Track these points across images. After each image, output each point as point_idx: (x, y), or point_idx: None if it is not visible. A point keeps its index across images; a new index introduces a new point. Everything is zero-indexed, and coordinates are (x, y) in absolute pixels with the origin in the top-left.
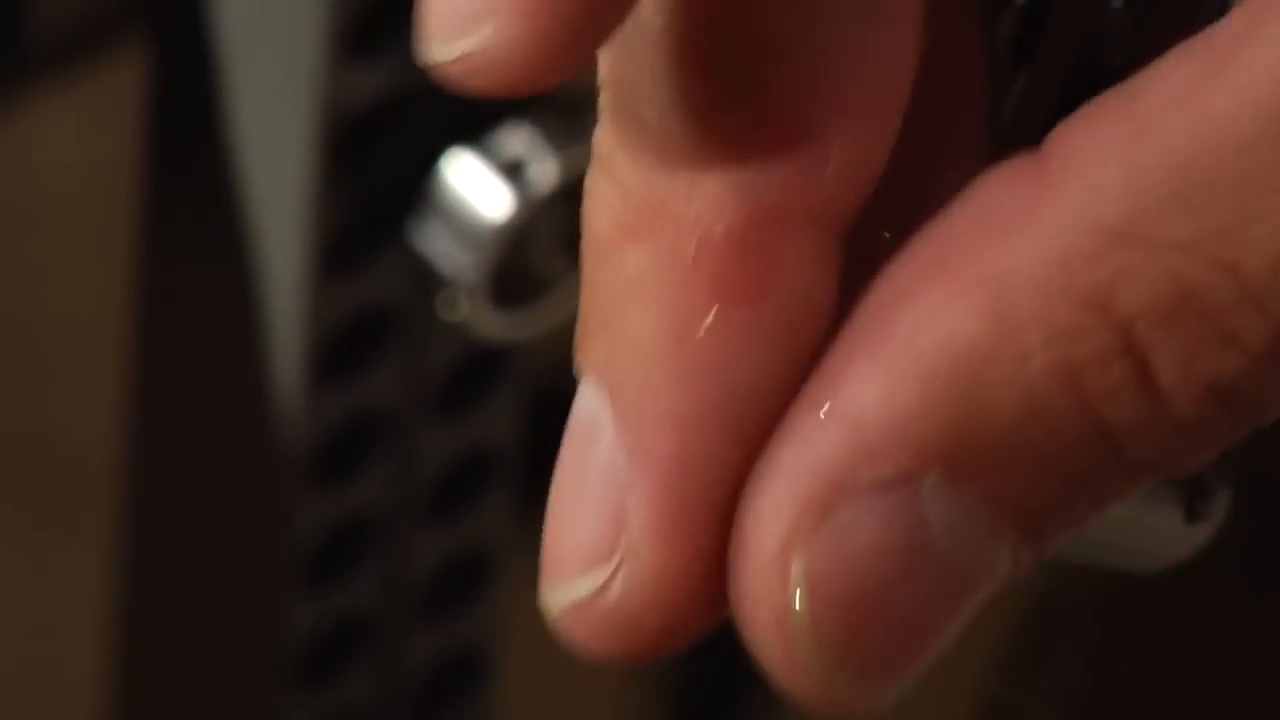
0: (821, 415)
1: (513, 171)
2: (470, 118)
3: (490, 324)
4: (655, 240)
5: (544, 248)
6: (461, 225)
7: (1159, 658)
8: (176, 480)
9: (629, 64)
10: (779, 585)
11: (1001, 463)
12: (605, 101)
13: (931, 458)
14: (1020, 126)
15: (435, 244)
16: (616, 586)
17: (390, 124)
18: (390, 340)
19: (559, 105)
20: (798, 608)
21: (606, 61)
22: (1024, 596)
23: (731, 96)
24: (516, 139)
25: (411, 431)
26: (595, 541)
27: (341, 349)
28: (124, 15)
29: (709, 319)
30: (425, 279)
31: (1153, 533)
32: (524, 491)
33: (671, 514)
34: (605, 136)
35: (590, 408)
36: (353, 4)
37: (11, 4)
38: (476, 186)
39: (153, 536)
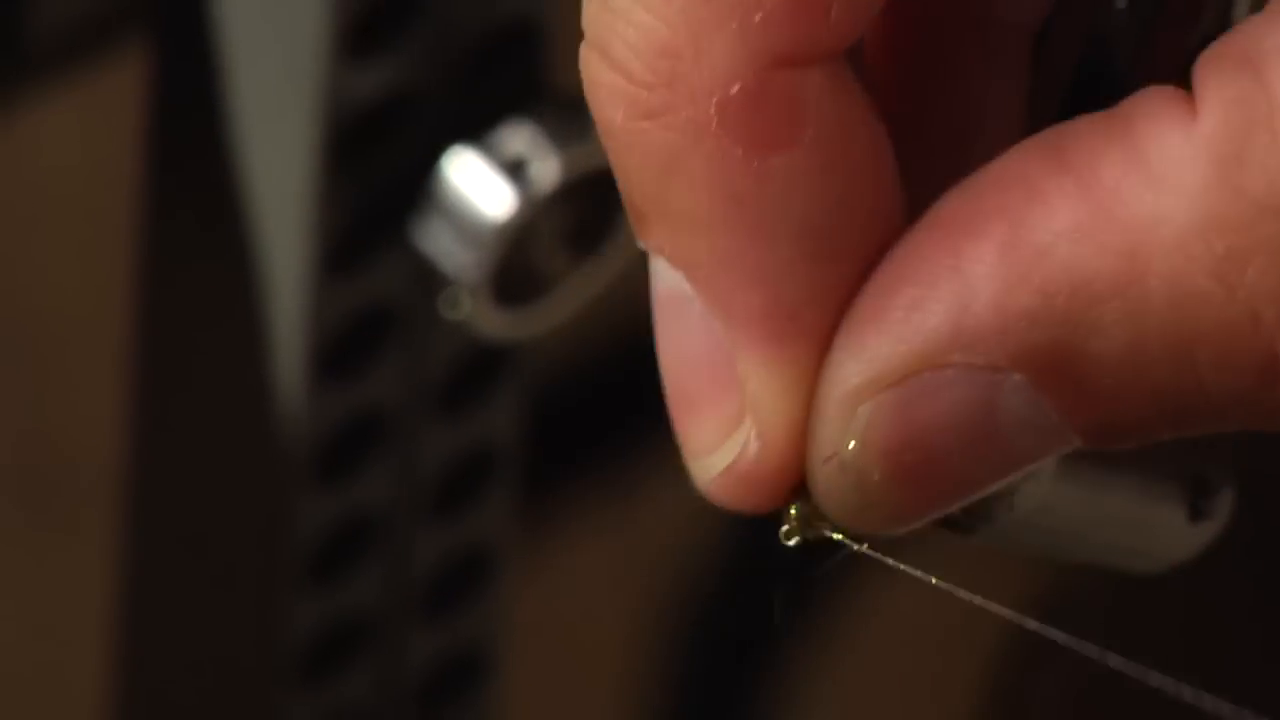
0: (932, 285)
1: (514, 170)
2: (472, 116)
3: (492, 322)
4: (674, 114)
5: (546, 246)
6: (463, 224)
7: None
8: (178, 479)
9: None
10: (840, 423)
11: (1091, 390)
12: None
13: (1025, 364)
14: (1027, 128)
15: (437, 242)
16: (752, 447)
17: (392, 123)
18: (392, 339)
19: (560, 103)
20: (850, 447)
21: None
22: (1028, 595)
23: None
24: (518, 137)
25: (413, 430)
26: (721, 410)
27: (343, 348)
28: (125, 15)
29: (752, 175)
30: (427, 278)
31: (1157, 533)
32: (525, 490)
33: (781, 362)
34: (597, 20)
35: (671, 281)
36: (354, 3)
37: (13, 4)
38: (478, 185)
39: (154, 536)
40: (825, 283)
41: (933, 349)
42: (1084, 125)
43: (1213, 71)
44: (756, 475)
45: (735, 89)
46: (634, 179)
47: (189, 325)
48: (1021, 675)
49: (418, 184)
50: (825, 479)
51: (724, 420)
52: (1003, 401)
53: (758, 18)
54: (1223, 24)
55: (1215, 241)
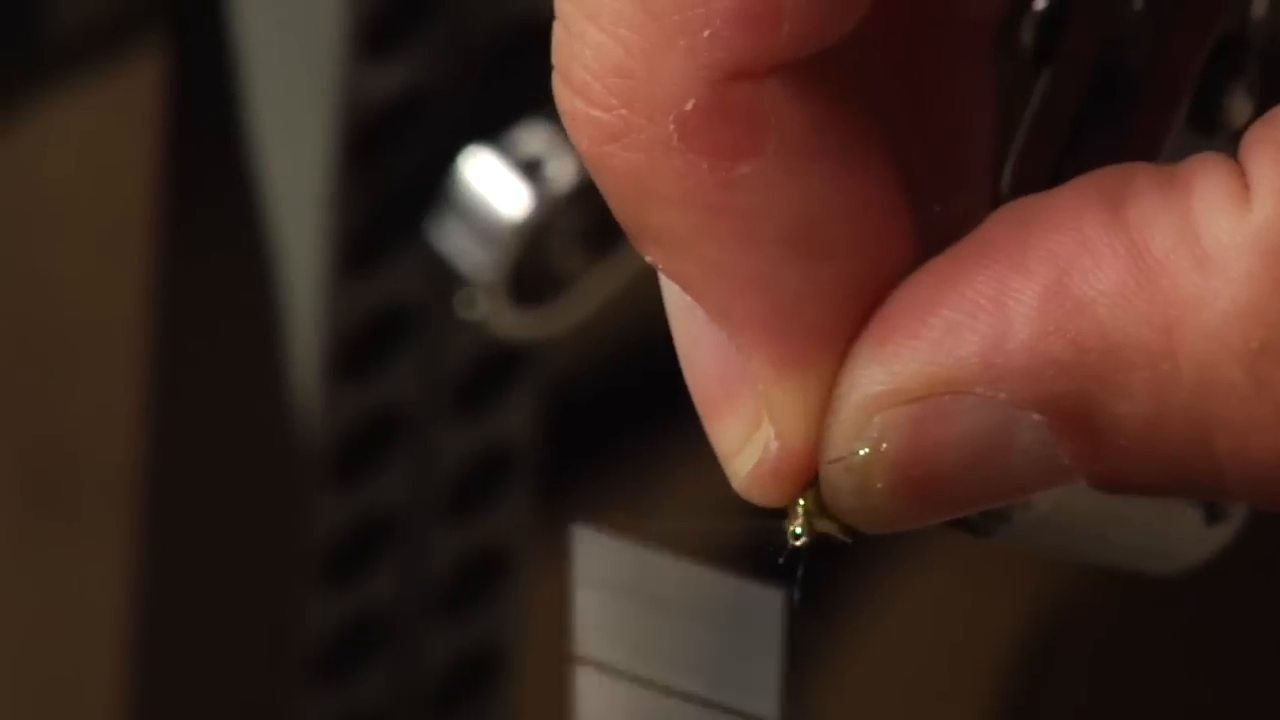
0: (971, 314)
1: (531, 169)
2: (488, 116)
3: (508, 322)
4: (635, 134)
5: (562, 246)
6: (479, 223)
7: (1175, 657)
8: (195, 478)
9: None
10: (854, 427)
11: (1107, 446)
12: (558, 7)
13: (1047, 408)
14: (1043, 128)
15: (453, 242)
16: (772, 446)
17: (408, 123)
18: (408, 339)
19: None
20: (860, 454)
21: None
22: (1036, 593)
23: None
24: (534, 137)
25: (429, 430)
26: (740, 413)
27: (360, 347)
28: (142, 15)
29: (721, 187)
30: (443, 277)
31: (1173, 535)
32: (541, 489)
33: (789, 362)
34: (560, 45)
35: (677, 291)
36: (370, 3)
37: (29, 3)
38: (494, 185)
39: (171, 535)
40: (819, 280)
41: (960, 376)
42: (1144, 182)
43: (1266, 155)
44: (781, 473)
45: (690, 104)
46: (613, 201)
47: (205, 324)
48: (1029, 681)
49: (434, 184)
50: (831, 477)
51: (745, 422)
52: (1017, 436)
53: (706, 34)
54: (1241, 24)
55: (1252, 334)
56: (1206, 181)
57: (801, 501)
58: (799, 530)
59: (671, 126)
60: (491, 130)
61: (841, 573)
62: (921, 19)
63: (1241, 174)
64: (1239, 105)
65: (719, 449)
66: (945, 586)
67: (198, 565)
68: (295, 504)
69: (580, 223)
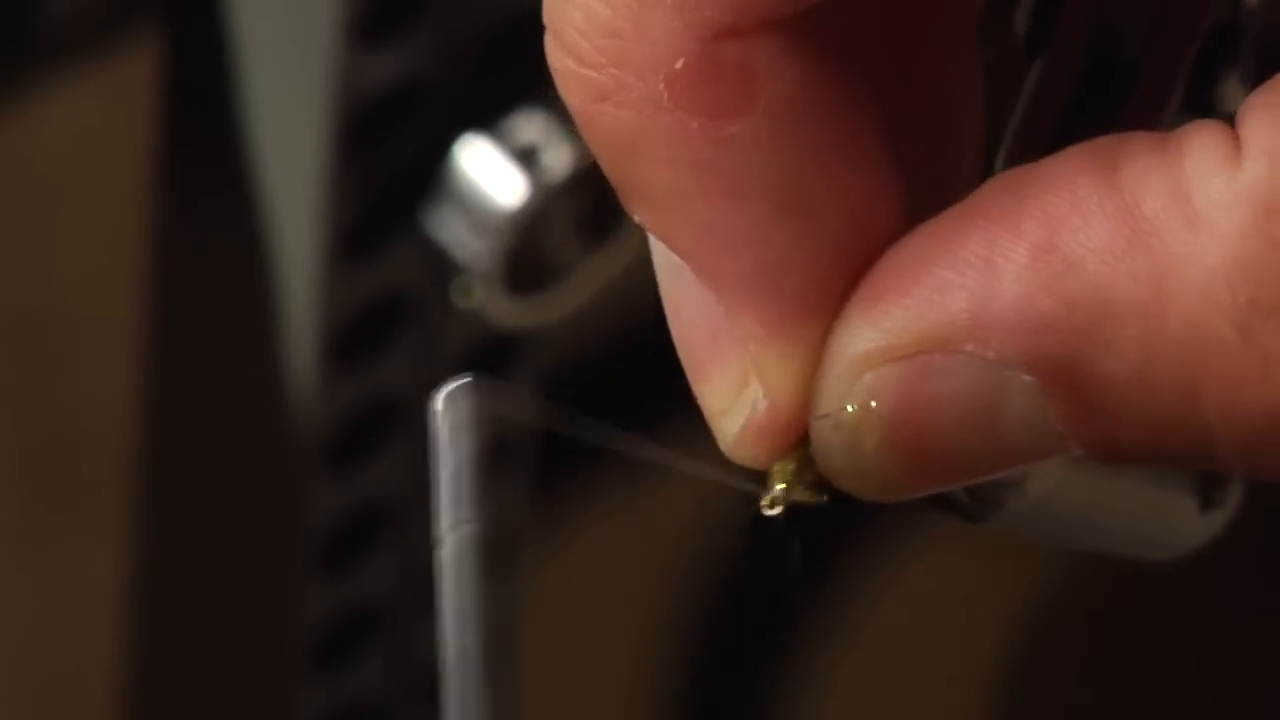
0: (961, 271)
1: (526, 158)
2: (483, 104)
3: (504, 310)
4: (626, 92)
5: (557, 234)
6: (475, 211)
7: (1169, 644)
8: (191, 467)
9: None
10: (844, 384)
11: (1096, 406)
12: None
13: (1037, 367)
14: (1036, 117)
15: (449, 230)
16: (761, 404)
17: (404, 111)
18: (404, 327)
19: None
20: (849, 409)
21: None
22: (1033, 582)
23: None
24: (530, 125)
25: (425, 418)
26: (729, 372)
27: (355, 335)
28: (138, 5)
29: (711, 145)
30: (439, 265)
31: (1167, 521)
32: (537, 477)
33: (776, 321)
34: (551, 6)
35: (665, 251)
36: None
37: None
38: (490, 173)
39: (167, 523)
40: (807, 240)
41: (950, 332)
42: (1139, 145)
43: (1260, 118)
44: (770, 431)
45: (680, 63)
46: (604, 160)
47: (201, 313)
48: (1028, 666)
49: (430, 172)
50: (820, 435)
51: (733, 381)
52: (1009, 398)
53: None
54: (1234, 11)
55: (1240, 289)
56: (1199, 143)
57: (778, 467)
58: (774, 497)
59: (661, 85)
60: (487, 119)
61: (839, 561)
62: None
63: (1235, 137)
64: (1233, 92)
65: (706, 408)
66: (942, 574)
67: (195, 554)
68: (292, 493)
69: (576, 211)
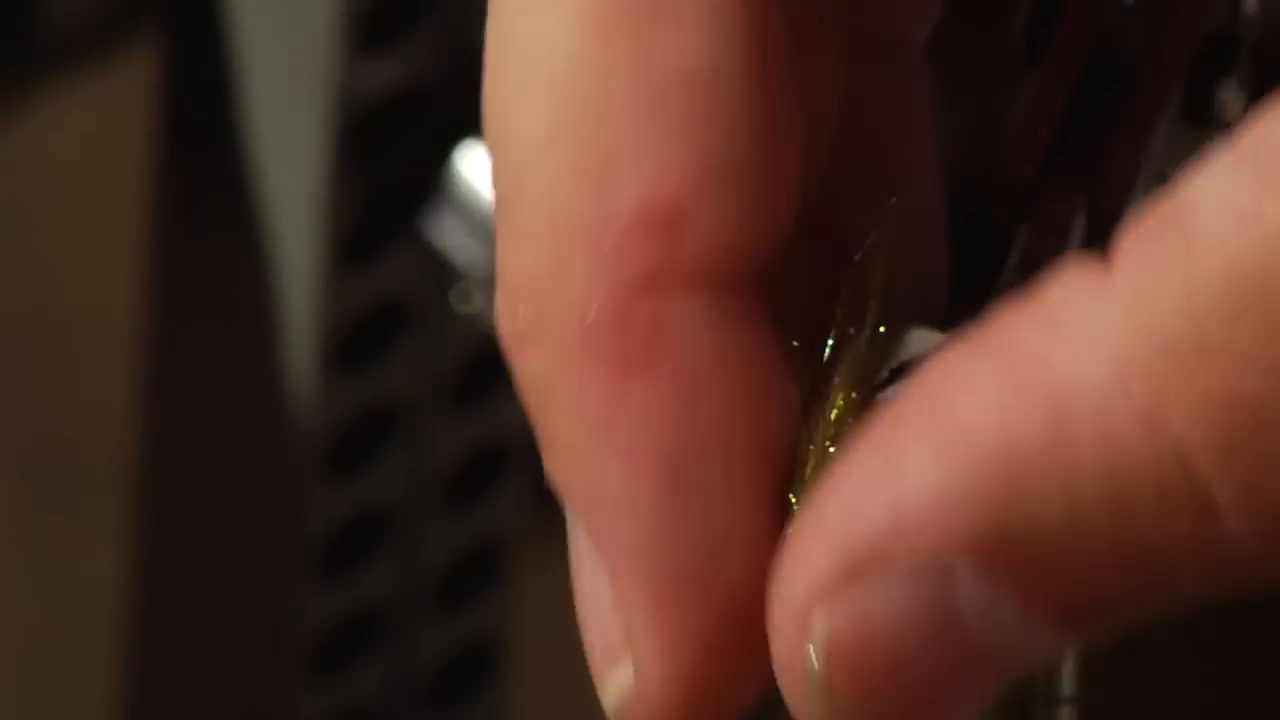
0: (866, 487)
1: None
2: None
3: None
4: (543, 341)
5: None
6: (475, 217)
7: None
8: (190, 473)
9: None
10: (799, 638)
11: (1042, 569)
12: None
13: (970, 548)
14: (1034, 122)
15: (449, 236)
16: (629, 683)
17: (404, 116)
18: (404, 333)
19: None
20: (815, 664)
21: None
22: None
23: (582, 173)
24: None
25: (425, 424)
26: (607, 642)
27: (355, 341)
28: (137, 9)
29: (611, 403)
30: (439, 271)
31: None
32: (538, 484)
33: (650, 597)
34: (497, 252)
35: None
36: None
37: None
38: (490, 178)
39: (167, 529)
40: (694, 513)
41: (874, 548)
42: (1003, 310)
43: (1134, 230)
44: (651, 710)
45: (593, 313)
46: (527, 408)
47: (201, 318)
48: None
49: (429, 178)
50: (793, 698)
51: (611, 652)
52: (959, 595)
53: (607, 245)
54: (1232, 17)
55: (1136, 393)
56: (1063, 276)
57: None
58: None
59: (573, 335)
60: None
61: None
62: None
63: (1102, 261)
64: (1231, 99)
65: (593, 674)
66: None
67: (195, 559)
68: (291, 498)
69: None
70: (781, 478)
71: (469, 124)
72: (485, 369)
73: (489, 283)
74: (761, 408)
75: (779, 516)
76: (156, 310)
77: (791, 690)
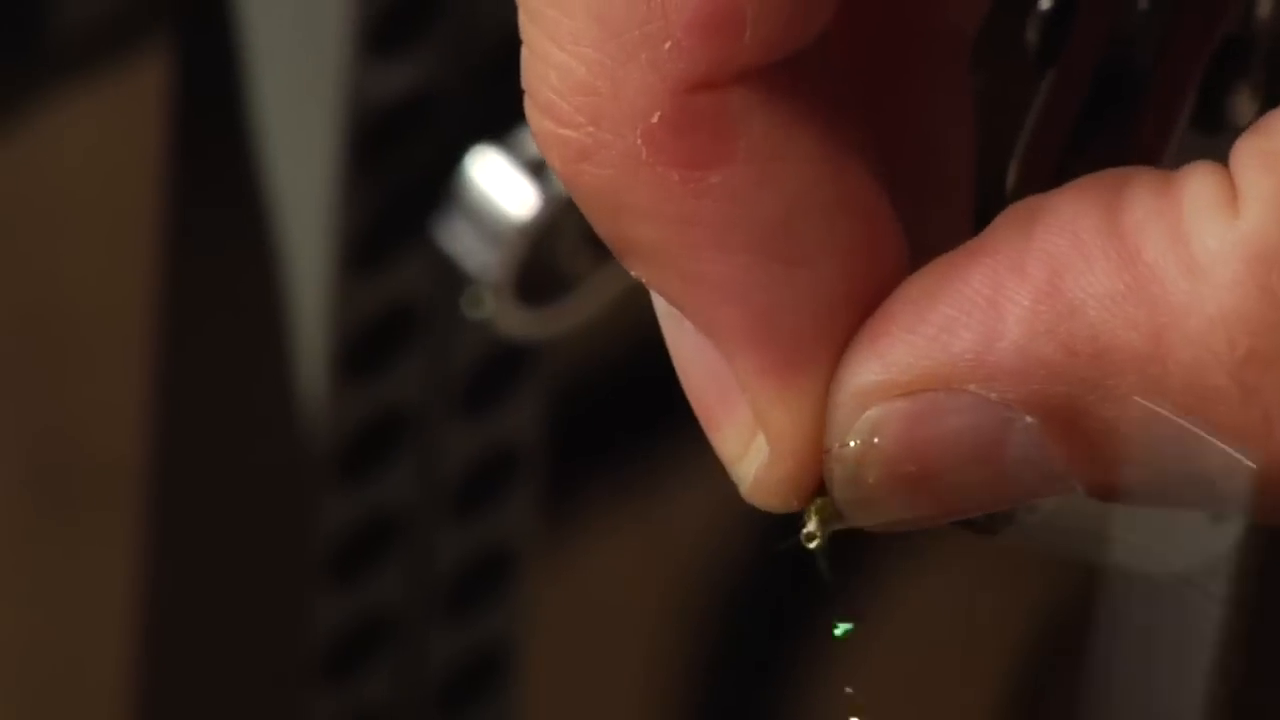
0: (966, 311)
1: (537, 169)
2: (494, 115)
3: (514, 321)
4: (605, 151)
5: (568, 245)
6: (486, 223)
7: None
8: (200, 478)
9: None
10: (848, 419)
11: (1098, 451)
12: (522, 19)
13: (1038, 410)
14: (1047, 129)
15: (460, 242)
16: (765, 453)
17: (415, 122)
18: (415, 338)
19: None
20: (853, 445)
21: None
22: (1047, 586)
23: None
24: None
25: (435, 429)
26: (737, 421)
27: (366, 346)
28: (148, 15)
29: (693, 197)
30: (450, 276)
31: (1178, 535)
32: (547, 489)
33: (773, 370)
34: (527, 67)
35: (664, 302)
36: (377, 3)
37: (36, 3)
38: (501, 184)
39: (177, 534)
40: (800, 286)
41: (953, 372)
42: (1140, 187)
43: (1255, 164)
44: (777, 479)
45: (656, 117)
46: (590, 217)
47: (212, 323)
48: (1041, 678)
49: (440, 183)
50: (828, 468)
51: (743, 429)
52: (1011, 439)
53: (666, 46)
54: (1245, 23)
55: (1239, 340)
56: (1198, 188)
57: (813, 510)
58: (812, 536)
59: (639, 141)
60: (498, 130)
61: (851, 571)
62: (893, 27)
63: (1233, 181)
64: (1243, 104)
65: (721, 456)
66: (954, 585)
67: (204, 563)
68: (301, 503)
69: (586, 222)
70: (869, 234)
71: (480, 129)
72: (495, 374)
73: (499, 288)
74: (843, 168)
75: (877, 275)
76: (167, 314)
77: (828, 463)
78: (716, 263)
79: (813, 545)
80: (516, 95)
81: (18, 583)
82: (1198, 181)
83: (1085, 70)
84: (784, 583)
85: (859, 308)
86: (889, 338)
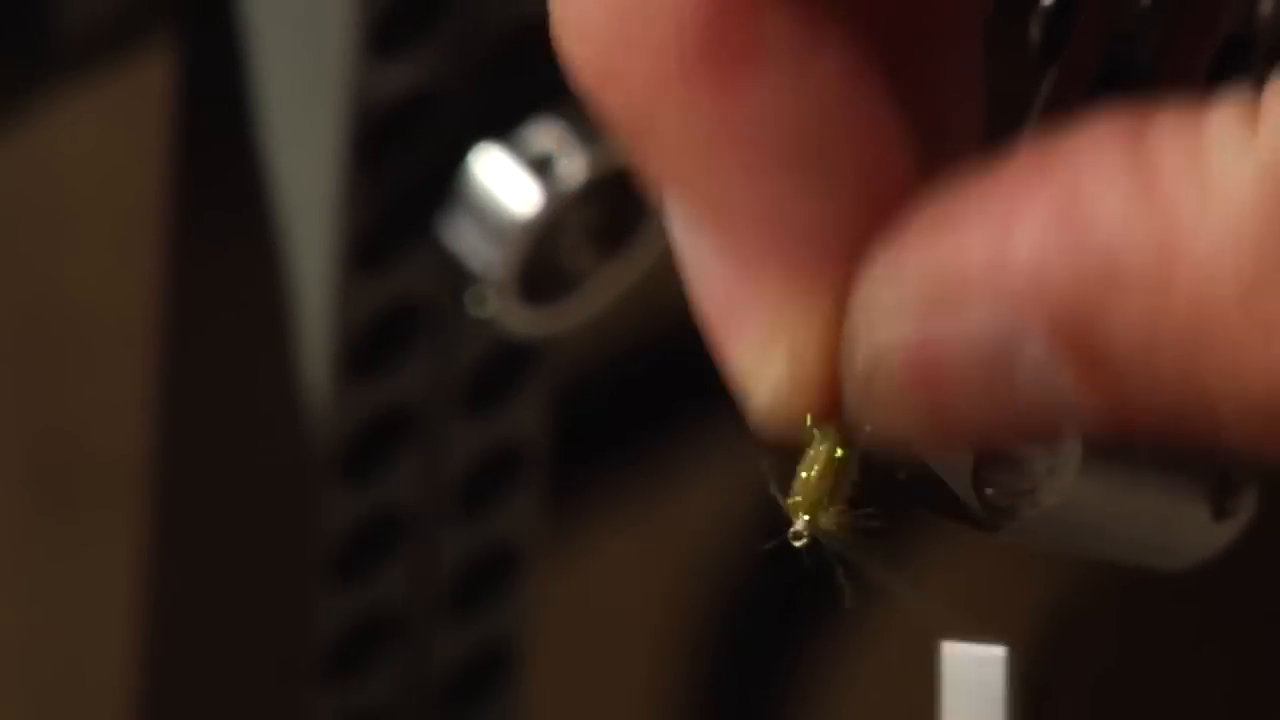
0: (981, 221)
1: (541, 167)
2: (498, 113)
3: (518, 319)
4: (637, 66)
5: (572, 243)
6: (490, 221)
7: (1184, 651)
8: (205, 476)
9: None
10: (863, 328)
11: (1105, 368)
12: None
13: (1048, 324)
14: (1049, 124)
15: (464, 239)
16: (787, 363)
17: (418, 120)
18: (419, 336)
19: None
20: (869, 350)
21: None
22: (1050, 585)
23: None
24: (545, 134)
25: (439, 427)
26: (754, 335)
27: (370, 344)
28: (152, 12)
29: (722, 112)
30: (454, 274)
31: (1180, 530)
32: (552, 487)
33: (795, 286)
34: None
35: (683, 219)
36: (381, 0)
37: (39, 2)
38: (505, 182)
39: (181, 533)
40: (825, 201)
41: (966, 284)
42: (1169, 114)
43: (1277, 91)
44: (797, 391)
45: (686, 32)
46: (619, 136)
47: (215, 321)
48: (1045, 675)
49: (444, 181)
50: (849, 381)
51: (758, 345)
52: (1022, 355)
53: None
54: (1248, 21)
55: (1246, 265)
56: (1224, 111)
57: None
58: (799, 535)
59: (668, 58)
60: (502, 127)
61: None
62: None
63: (1255, 107)
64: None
65: (735, 370)
66: (957, 582)
67: (206, 562)
68: (305, 501)
69: (591, 220)
70: (888, 150)
71: (483, 127)
72: (499, 372)
73: (503, 286)
74: (867, 85)
75: (895, 191)
76: (170, 313)
77: (849, 376)
78: (744, 178)
79: (800, 543)
80: (520, 92)
81: (18, 583)
82: (1225, 105)
83: (1087, 67)
84: (788, 581)
85: (878, 222)
86: (905, 248)
